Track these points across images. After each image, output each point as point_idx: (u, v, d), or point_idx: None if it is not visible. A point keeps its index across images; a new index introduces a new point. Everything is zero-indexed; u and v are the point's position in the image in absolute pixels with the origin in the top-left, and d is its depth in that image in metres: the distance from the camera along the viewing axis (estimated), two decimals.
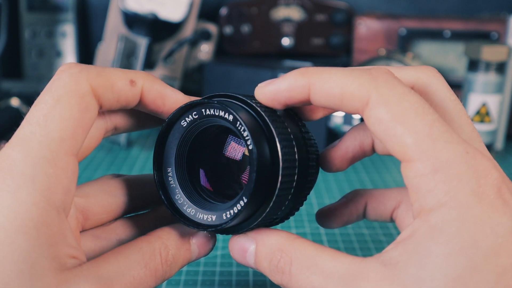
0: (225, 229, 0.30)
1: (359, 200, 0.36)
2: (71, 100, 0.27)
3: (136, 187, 0.35)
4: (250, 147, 0.28)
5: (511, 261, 0.24)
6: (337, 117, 0.74)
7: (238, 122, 0.28)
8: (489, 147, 0.75)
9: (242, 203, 0.29)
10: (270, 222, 0.32)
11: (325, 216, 0.36)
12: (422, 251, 0.25)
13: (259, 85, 0.30)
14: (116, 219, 0.34)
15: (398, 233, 0.34)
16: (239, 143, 0.32)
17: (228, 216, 0.29)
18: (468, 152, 0.25)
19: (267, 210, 0.29)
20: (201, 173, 0.33)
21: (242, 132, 0.28)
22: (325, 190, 0.65)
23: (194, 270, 0.46)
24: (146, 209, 0.36)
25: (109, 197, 0.33)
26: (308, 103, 0.30)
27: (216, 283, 0.44)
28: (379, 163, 0.75)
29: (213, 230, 0.30)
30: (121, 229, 0.34)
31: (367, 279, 0.26)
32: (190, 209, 0.31)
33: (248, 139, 0.28)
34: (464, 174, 0.25)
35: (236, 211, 0.29)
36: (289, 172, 0.29)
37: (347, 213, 0.36)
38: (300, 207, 0.34)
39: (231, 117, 0.29)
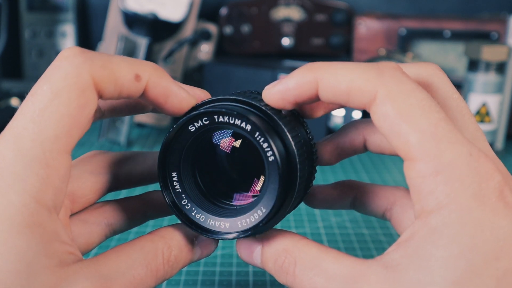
0: (243, 237, 0.30)
1: (348, 191, 0.35)
2: (70, 95, 0.26)
3: (120, 163, 0.34)
4: (271, 159, 0.28)
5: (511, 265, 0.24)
6: (337, 117, 0.74)
7: (257, 133, 0.28)
8: None
9: (260, 212, 0.29)
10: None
11: (309, 195, 0.36)
12: (422, 253, 0.25)
13: (267, 87, 0.30)
14: (103, 202, 0.34)
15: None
16: (226, 136, 0.32)
17: (244, 224, 0.29)
18: (472, 154, 0.25)
19: (284, 214, 0.30)
20: (201, 175, 0.33)
21: (261, 143, 0.28)
22: None
23: (194, 270, 0.46)
24: (134, 186, 0.35)
25: (93, 176, 0.32)
26: (316, 99, 0.29)
27: (216, 283, 0.44)
28: (379, 163, 0.75)
29: (231, 239, 0.30)
30: (109, 213, 0.33)
31: (368, 281, 0.26)
32: (199, 215, 0.31)
33: (268, 151, 0.28)
34: (466, 177, 0.25)
35: (254, 220, 0.29)
36: (303, 175, 0.30)
37: (330, 198, 0.35)
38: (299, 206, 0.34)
39: (248, 127, 0.28)
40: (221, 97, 0.30)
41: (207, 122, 0.29)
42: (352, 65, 0.28)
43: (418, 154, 0.25)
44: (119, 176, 0.34)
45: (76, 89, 0.26)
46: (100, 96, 0.28)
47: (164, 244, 0.30)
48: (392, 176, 0.71)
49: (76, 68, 0.26)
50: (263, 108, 0.29)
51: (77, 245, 0.31)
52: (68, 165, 0.27)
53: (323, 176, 0.69)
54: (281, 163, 0.28)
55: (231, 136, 0.32)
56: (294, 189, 0.29)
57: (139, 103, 0.33)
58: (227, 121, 0.28)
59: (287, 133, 0.29)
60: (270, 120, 0.29)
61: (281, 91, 0.29)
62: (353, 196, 0.35)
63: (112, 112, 0.32)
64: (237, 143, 0.32)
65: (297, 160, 0.29)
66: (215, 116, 0.29)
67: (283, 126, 0.29)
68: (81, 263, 0.26)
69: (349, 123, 0.34)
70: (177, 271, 0.31)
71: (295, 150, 0.29)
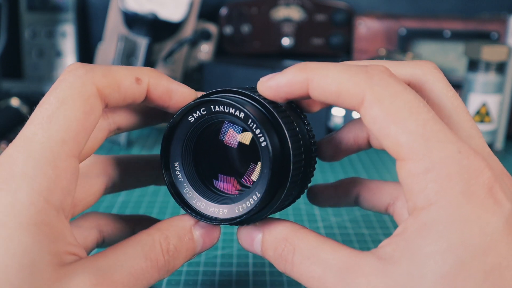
0: (238, 222, 0.31)
1: (352, 188, 0.37)
2: (75, 102, 0.28)
3: (116, 166, 0.36)
4: (263, 144, 0.29)
5: (499, 260, 0.25)
6: (337, 117, 0.74)
7: (250, 120, 0.29)
8: (489, 147, 0.75)
9: (255, 197, 0.29)
10: (278, 210, 0.33)
11: (314, 193, 0.38)
12: (412, 248, 0.26)
13: (261, 79, 0.31)
14: (95, 212, 0.36)
15: None
16: (235, 129, 0.33)
17: (241, 210, 0.30)
18: (461, 152, 0.26)
19: (279, 202, 0.31)
20: (203, 164, 0.34)
21: (254, 130, 0.29)
22: None
23: (194, 270, 0.46)
24: (129, 188, 0.37)
25: (89, 178, 0.34)
26: (307, 97, 0.30)
27: (216, 283, 0.44)
28: (379, 163, 0.75)
29: (227, 224, 0.31)
30: (101, 220, 0.36)
31: (362, 272, 0.27)
32: (200, 203, 0.32)
33: (261, 137, 0.29)
34: (455, 174, 0.25)
35: (249, 205, 0.30)
36: (298, 164, 0.30)
37: (335, 197, 0.37)
38: (300, 199, 0.35)
39: (242, 115, 0.29)
40: (220, 89, 0.32)
41: (205, 112, 0.30)
42: (343, 67, 0.29)
43: (408, 154, 0.26)
44: (115, 179, 0.35)
45: (80, 96, 0.28)
46: (107, 104, 0.30)
47: (161, 235, 0.30)
48: (391, 175, 0.71)
49: (80, 78, 0.28)
50: (257, 97, 0.30)
51: None
52: (76, 169, 0.28)
53: (323, 176, 0.69)
54: (272, 148, 0.29)
55: (239, 131, 0.33)
56: (287, 174, 0.30)
57: (153, 113, 0.34)
58: (222, 110, 0.30)
59: (280, 120, 0.30)
60: (263, 108, 0.30)
61: (272, 87, 0.30)
62: (357, 193, 0.37)
63: (129, 125, 0.34)
64: (241, 137, 0.33)
65: (290, 145, 0.29)
66: (211, 106, 0.30)
67: (275, 114, 0.30)
68: (80, 261, 0.27)
69: (352, 120, 0.35)
70: (182, 262, 0.31)
71: (288, 136, 0.30)
